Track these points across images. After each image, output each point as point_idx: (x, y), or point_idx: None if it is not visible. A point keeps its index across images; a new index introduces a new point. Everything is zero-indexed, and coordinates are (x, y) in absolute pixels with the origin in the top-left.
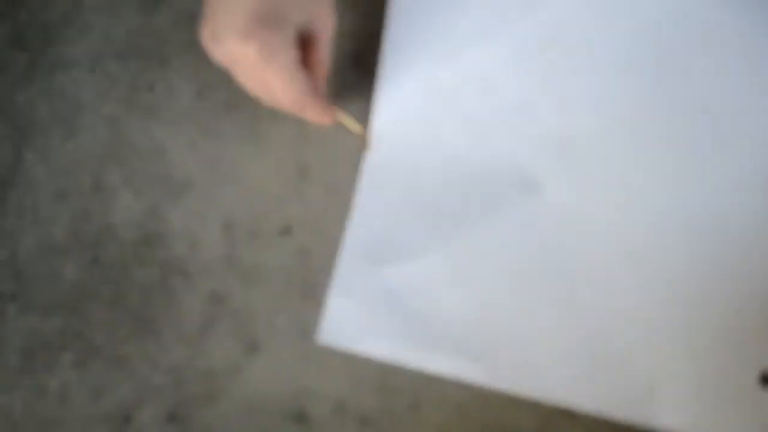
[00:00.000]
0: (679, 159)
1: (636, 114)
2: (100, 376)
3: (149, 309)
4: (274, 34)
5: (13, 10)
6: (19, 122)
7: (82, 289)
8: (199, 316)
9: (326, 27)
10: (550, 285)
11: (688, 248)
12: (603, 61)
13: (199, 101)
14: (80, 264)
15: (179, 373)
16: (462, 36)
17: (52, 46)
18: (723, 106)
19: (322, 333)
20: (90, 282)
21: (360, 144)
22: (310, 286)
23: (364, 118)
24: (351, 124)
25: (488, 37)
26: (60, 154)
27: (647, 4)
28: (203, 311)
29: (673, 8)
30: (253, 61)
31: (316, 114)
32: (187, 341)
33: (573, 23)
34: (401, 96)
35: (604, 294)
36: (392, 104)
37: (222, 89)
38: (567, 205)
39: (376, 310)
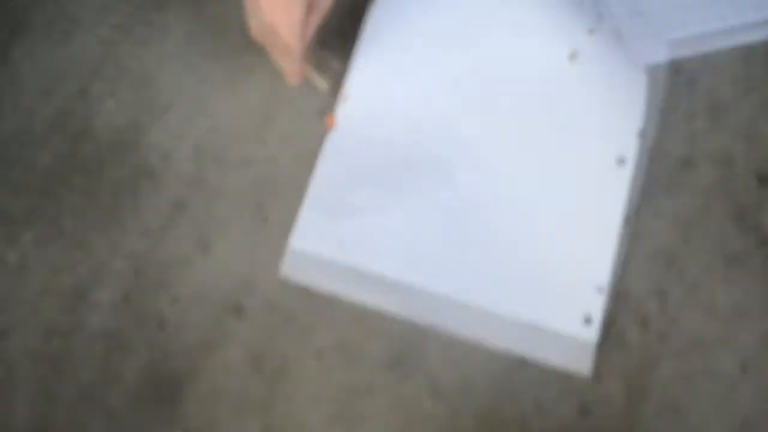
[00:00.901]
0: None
1: (520, 137)
2: (61, 254)
3: (117, 202)
4: None
5: None
6: (9, 20)
7: (54, 175)
8: (161, 215)
9: (325, 2)
10: (458, 239)
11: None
12: (507, 95)
13: (188, 43)
14: (56, 154)
15: (136, 261)
16: (414, 60)
17: None
18: (563, 147)
19: (283, 268)
20: (63, 171)
21: (320, 104)
22: (261, 207)
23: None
24: (317, 79)
25: (429, 64)
26: (49, 57)
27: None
28: (166, 212)
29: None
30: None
31: (293, 63)
32: (148, 235)
33: (492, 65)
34: (363, 96)
35: (498, 244)
36: (355, 100)
37: (210, 38)
38: (469, 185)
39: (329, 253)
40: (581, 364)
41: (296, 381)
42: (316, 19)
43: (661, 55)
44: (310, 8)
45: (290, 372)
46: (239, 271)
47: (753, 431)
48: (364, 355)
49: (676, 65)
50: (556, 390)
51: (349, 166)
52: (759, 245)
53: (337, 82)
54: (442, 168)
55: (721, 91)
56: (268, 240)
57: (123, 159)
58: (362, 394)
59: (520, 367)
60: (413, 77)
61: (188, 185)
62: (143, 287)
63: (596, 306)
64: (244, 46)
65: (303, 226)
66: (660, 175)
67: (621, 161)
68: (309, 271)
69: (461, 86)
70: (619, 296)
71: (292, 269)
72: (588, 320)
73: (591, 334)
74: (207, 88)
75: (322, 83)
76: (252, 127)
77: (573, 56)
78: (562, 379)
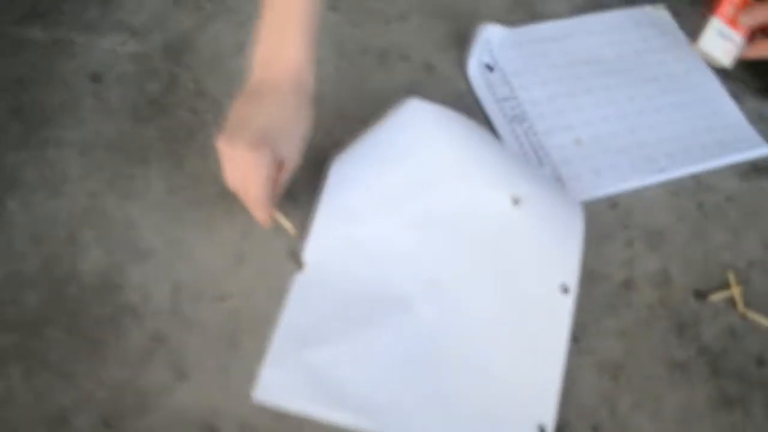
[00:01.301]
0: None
1: (473, 271)
2: (46, 385)
3: (100, 337)
4: (269, 152)
5: (18, 88)
6: (4, 177)
7: (41, 315)
8: (141, 348)
9: (293, 162)
10: (417, 366)
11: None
12: (458, 237)
13: (169, 195)
14: (43, 296)
15: (118, 390)
16: (371, 208)
17: (48, 126)
18: (511, 280)
19: (257, 393)
20: (50, 311)
21: (290, 242)
22: (236, 340)
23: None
24: (286, 224)
25: (387, 210)
26: (41, 208)
27: (485, 224)
28: (146, 345)
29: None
30: (250, 163)
31: (264, 212)
32: (129, 365)
33: (444, 210)
34: (327, 239)
35: (449, 371)
36: (320, 245)
37: (189, 189)
38: (428, 317)
39: (300, 378)
40: None
41: None
42: (284, 176)
43: (598, 191)
44: (279, 166)
45: None
46: (214, 397)
47: None
48: None
49: (611, 200)
50: None
51: (317, 300)
52: (699, 354)
53: (304, 225)
54: (402, 302)
55: (656, 220)
56: (242, 368)
57: (105, 298)
58: None
59: None
60: (373, 220)
61: (166, 320)
62: (123, 412)
63: (549, 416)
64: (220, 196)
65: (275, 353)
66: (603, 298)
67: (564, 289)
68: (280, 394)
69: (417, 229)
70: (570, 406)
71: (264, 393)
72: (542, 429)
73: None
74: (186, 233)
75: (290, 227)
76: (227, 266)
77: (516, 201)
78: None
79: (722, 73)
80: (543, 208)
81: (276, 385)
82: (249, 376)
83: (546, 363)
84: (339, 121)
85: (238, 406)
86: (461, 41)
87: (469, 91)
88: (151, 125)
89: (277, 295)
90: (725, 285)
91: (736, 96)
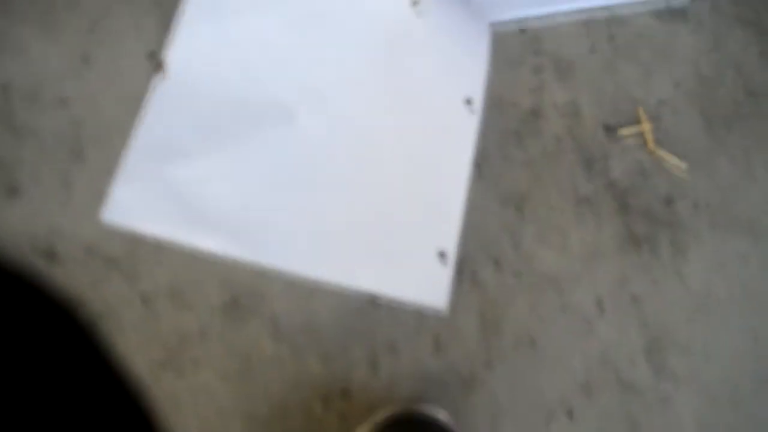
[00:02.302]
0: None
1: (364, 79)
2: None
3: None
4: None
5: None
6: None
7: None
8: None
9: None
10: (296, 184)
11: (390, 164)
12: (344, 38)
13: None
14: None
15: None
16: (247, 5)
17: None
18: (409, 90)
19: (106, 213)
20: None
21: (149, 41)
22: (79, 151)
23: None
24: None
25: (267, 8)
26: None
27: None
28: None
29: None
30: None
31: None
32: None
33: (333, 9)
34: (193, 39)
35: (334, 191)
36: (185, 44)
37: None
38: (312, 129)
39: (157, 197)
40: (437, 298)
41: (119, 327)
42: None
43: (505, 14)
44: None
45: (112, 318)
46: (52, 216)
47: (611, 365)
48: (196, 299)
49: (521, 24)
50: (410, 328)
51: (180, 110)
52: (607, 189)
53: (168, 24)
54: (281, 111)
55: (566, 49)
56: (86, 183)
57: None
58: (194, 338)
59: (370, 307)
60: (248, 20)
61: None
62: None
63: (450, 242)
64: None
65: (128, 167)
66: (509, 125)
67: (468, 101)
68: (134, 215)
69: (301, 30)
70: (472, 237)
71: (115, 214)
72: (442, 255)
73: (446, 268)
74: (17, 27)
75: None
76: (70, 67)
77: (415, 3)
78: (415, 317)
79: None
80: (445, 14)
81: (129, 203)
82: (95, 193)
83: (447, 183)
84: None
85: (82, 227)
86: None
87: None
88: None
89: (131, 101)
90: (635, 121)
91: None
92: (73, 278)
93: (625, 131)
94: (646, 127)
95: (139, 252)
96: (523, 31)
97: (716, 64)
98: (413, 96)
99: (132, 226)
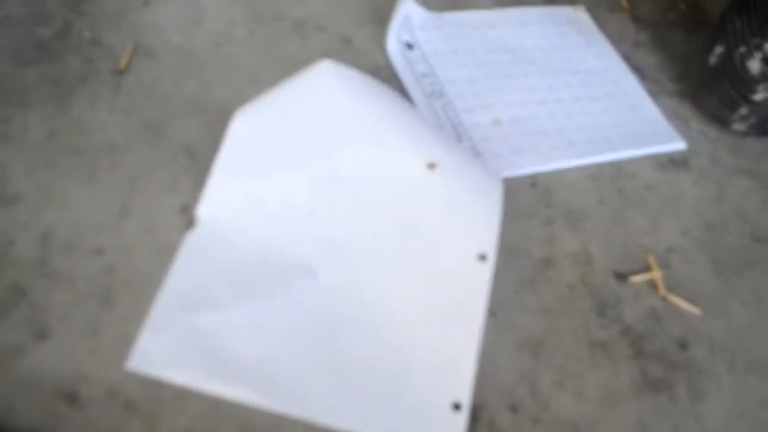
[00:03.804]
0: (398, 263)
1: (382, 237)
2: None
3: None
4: None
5: None
6: None
7: None
8: None
9: None
10: (318, 336)
11: (405, 318)
12: (365, 199)
13: (48, 140)
14: None
15: None
16: (274, 165)
17: None
18: (425, 247)
19: (132, 361)
20: None
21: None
22: (110, 299)
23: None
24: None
25: (292, 168)
26: None
27: (393, 184)
28: (2, 296)
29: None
30: None
31: None
32: None
33: (354, 171)
34: (224, 196)
35: (354, 344)
36: (216, 200)
37: (71, 136)
38: (333, 284)
39: (182, 346)
40: None
41: None
42: None
43: (517, 171)
44: None
45: None
46: (78, 360)
47: None
48: None
49: (532, 179)
50: None
51: (208, 262)
52: (622, 334)
53: (202, 183)
54: (304, 266)
55: (575, 201)
56: (115, 330)
57: None
58: None
59: None
60: (275, 177)
61: (30, 271)
62: None
63: (464, 393)
64: (107, 146)
65: (157, 315)
66: (523, 274)
67: (482, 257)
68: (160, 363)
69: (323, 189)
70: (488, 384)
71: (141, 361)
72: (457, 407)
73: (461, 418)
74: (62, 180)
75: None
76: (108, 219)
77: (431, 166)
78: None
79: (639, 73)
80: (460, 174)
81: (155, 352)
82: (123, 340)
83: (462, 336)
84: (250, 84)
85: (106, 371)
86: (380, 17)
87: (387, 66)
88: (36, 69)
89: (163, 253)
90: (645, 268)
91: (652, 94)
92: (93, 422)
93: (636, 278)
94: (657, 274)
95: (160, 397)
96: (534, 185)
97: (721, 212)
98: (429, 252)
99: (157, 374)
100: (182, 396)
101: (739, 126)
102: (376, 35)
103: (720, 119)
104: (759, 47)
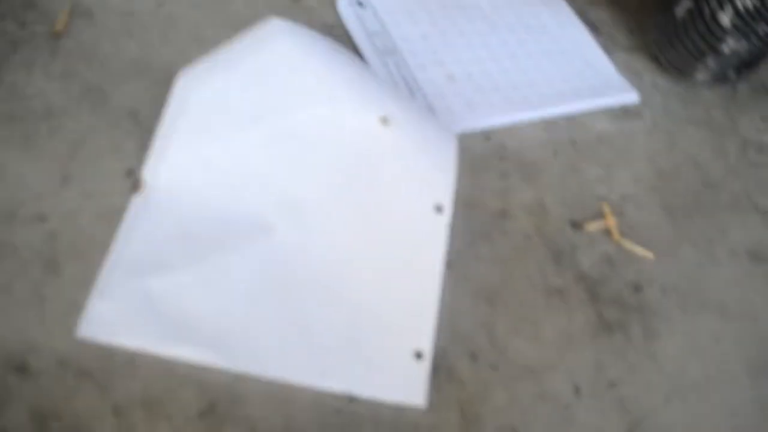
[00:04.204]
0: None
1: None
2: None
3: None
4: None
5: None
6: None
7: None
8: None
9: None
10: (275, 294)
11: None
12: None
13: None
14: None
15: None
16: (224, 125)
17: None
18: (381, 201)
19: (82, 328)
20: None
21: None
22: (55, 266)
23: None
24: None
25: (242, 127)
26: None
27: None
28: None
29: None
30: None
31: None
32: None
33: (306, 129)
34: (171, 158)
35: (311, 298)
36: (163, 162)
37: (6, 104)
38: (289, 241)
39: (133, 311)
40: (415, 396)
41: None
42: None
43: (471, 124)
44: None
45: (84, 431)
46: (26, 330)
47: None
48: (171, 408)
49: (486, 134)
50: (389, 426)
51: (158, 225)
52: (577, 280)
53: (146, 145)
54: (259, 224)
55: (530, 154)
56: (62, 298)
57: None
58: None
59: (348, 406)
60: (224, 137)
61: None
62: None
63: (426, 341)
64: (45, 112)
65: (105, 281)
66: (478, 225)
67: (438, 209)
68: (111, 329)
69: (276, 147)
70: (447, 333)
71: (91, 328)
72: (419, 355)
73: (423, 366)
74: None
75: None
76: (49, 186)
77: (384, 121)
78: (395, 414)
79: (594, 28)
80: (413, 128)
81: (105, 318)
82: (71, 307)
83: (421, 286)
84: (195, 44)
85: (56, 340)
86: None
87: (338, 25)
88: None
89: (109, 218)
90: (600, 216)
91: (606, 48)
92: (45, 392)
93: (591, 226)
94: (611, 221)
95: (112, 363)
96: (488, 138)
97: (674, 160)
98: (386, 205)
99: (108, 341)
100: (135, 360)
101: (701, 76)
102: None
103: (682, 70)
104: (731, 0)
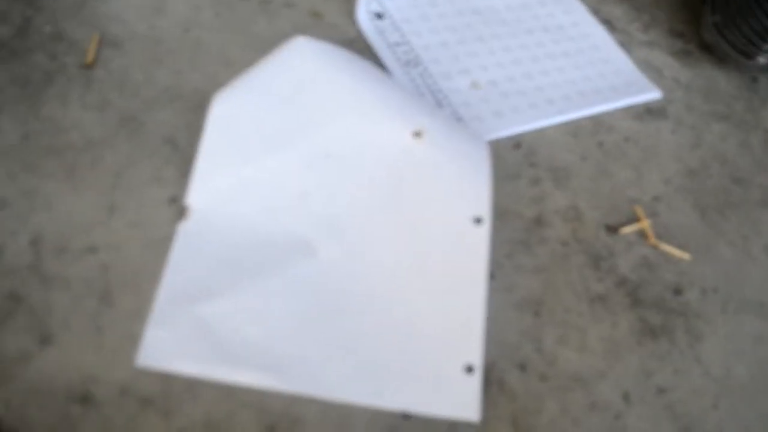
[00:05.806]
0: (396, 234)
1: (377, 210)
2: None
3: None
4: None
5: None
6: None
7: None
8: None
9: None
10: (324, 314)
11: (409, 288)
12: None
13: (23, 143)
14: None
15: None
16: (260, 146)
17: None
18: (420, 216)
19: (139, 357)
20: None
21: (170, 189)
22: (109, 298)
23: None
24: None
25: (278, 148)
26: None
27: (382, 153)
28: (0, 306)
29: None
30: None
31: None
32: None
33: (342, 147)
34: (213, 183)
35: (360, 318)
36: (205, 187)
37: (47, 137)
38: (333, 260)
39: (188, 337)
40: (468, 411)
41: None
42: None
43: (500, 132)
44: None
45: None
46: (86, 362)
47: None
48: (232, 430)
49: (515, 140)
50: None
51: (204, 251)
52: (618, 286)
53: (185, 172)
54: (302, 245)
55: (559, 159)
56: (118, 328)
57: None
58: None
59: (403, 423)
60: (262, 159)
61: (24, 277)
62: None
63: (476, 355)
64: (85, 143)
65: (159, 310)
66: (516, 234)
67: (478, 220)
68: (168, 357)
69: (312, 166)
70: (495, 345)
71: (149, 357)
72: (470, 369)
73: (474, 380)
74: (45, 183)
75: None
76: (96, 217)
77: (417, 134)
78: (450, 428)
79: (609, 24)
80: (446, 139)
81: (162, 346)
82: (127, 337)
83: (467, 299)
84: (224, 67)
85: (116, 370)
86: None
87: (359, 38)
88: (1, 70)
89: (156, 246)
90: (633, 219)
91: (623, 45)
92: (109, 421)
93: (626, 229)
94: (645, 223)
95: (172, 390)
96: (517, 145)
97: (701, 157)
98: (425, 220)
99: (167, 368)
100: (194, 387)
101: (763, 59)
102: (346, 8)
103: (745, 52)
104: None
